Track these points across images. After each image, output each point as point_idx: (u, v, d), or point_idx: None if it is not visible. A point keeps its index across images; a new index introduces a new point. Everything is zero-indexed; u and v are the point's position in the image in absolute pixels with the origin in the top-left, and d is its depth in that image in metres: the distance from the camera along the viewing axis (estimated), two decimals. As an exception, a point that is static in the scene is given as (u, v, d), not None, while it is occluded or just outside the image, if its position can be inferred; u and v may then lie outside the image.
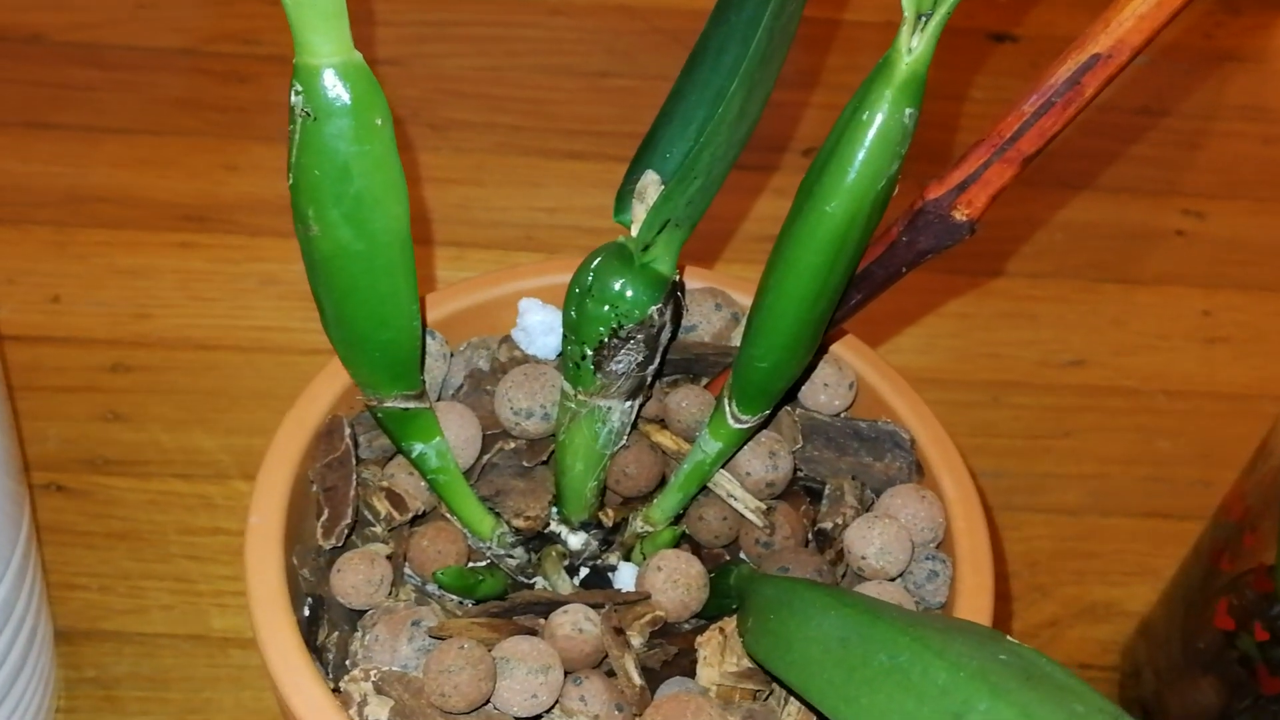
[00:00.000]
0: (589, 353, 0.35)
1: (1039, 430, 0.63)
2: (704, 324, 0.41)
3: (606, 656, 0.34)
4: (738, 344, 0.41)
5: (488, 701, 0.32)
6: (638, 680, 0.33)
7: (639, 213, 0.36)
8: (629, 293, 0.35)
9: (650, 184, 0.35)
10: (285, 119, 0.31)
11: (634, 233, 0.35)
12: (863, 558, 0.36)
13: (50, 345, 0.60)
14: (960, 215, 0.32)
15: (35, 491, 0.55)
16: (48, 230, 0.65)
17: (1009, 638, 0.27)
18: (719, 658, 0.34)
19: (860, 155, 0.30)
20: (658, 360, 0.36)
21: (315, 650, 0.35)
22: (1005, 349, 0.66)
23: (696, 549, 0.39)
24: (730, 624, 0.35)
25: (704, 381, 0.41)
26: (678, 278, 0.36)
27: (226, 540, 0.55)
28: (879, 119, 0.30)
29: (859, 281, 0.35)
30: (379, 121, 0.31)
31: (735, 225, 0.69)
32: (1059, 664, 0.25)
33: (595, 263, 0.35)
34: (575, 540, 0.39)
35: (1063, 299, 0.68)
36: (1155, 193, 0.74)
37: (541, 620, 0.35)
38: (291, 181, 0.32)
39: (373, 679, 0.32)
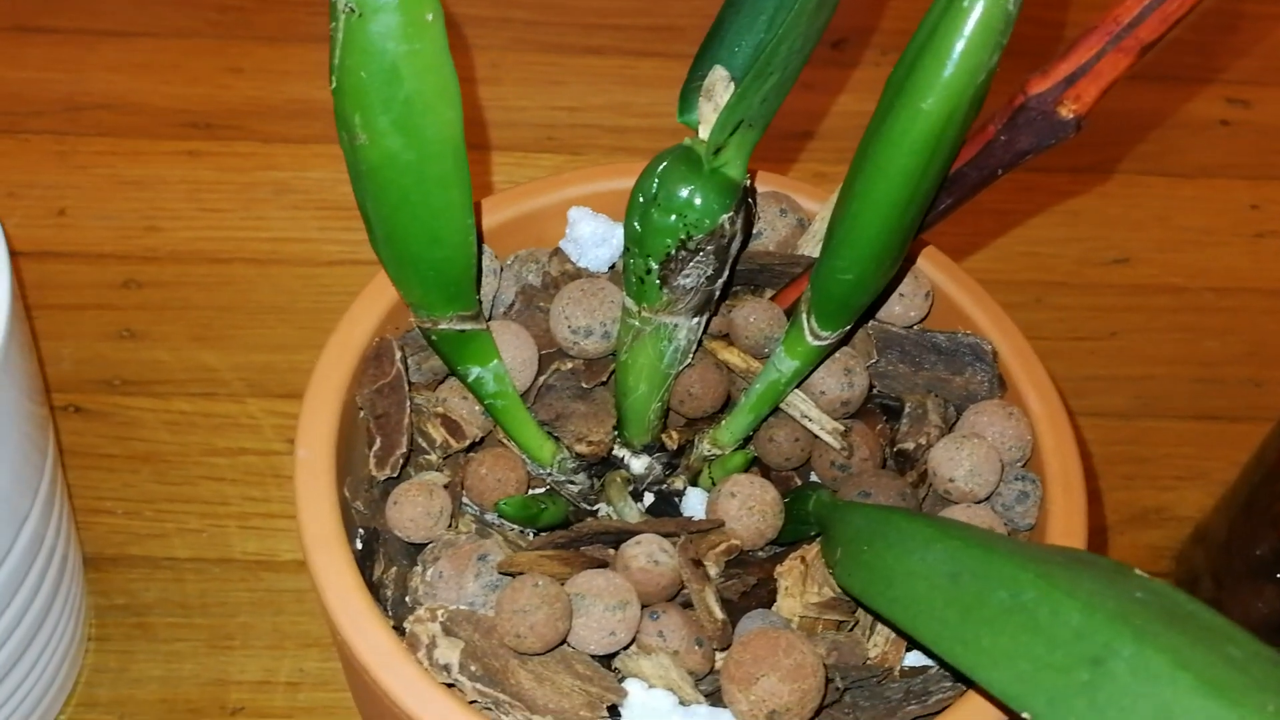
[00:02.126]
0: (654, 266, 0.33)
1: (1083, 331, 0.61)
2: (769, 231, 0.39)
3: (682, 588, 0.32)
4: (804, 252, 0.39)
5: (563, 640, 0.31)
6: (719, 614, 0.31)
7: (706, 112, 0.33)
8: (698, 200, 0.32)
9: (719, 80, 0.33)
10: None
11: (703, 134, 0.33)
12: (950, 480, 0.34)
13: (59, 261, 0.58)
14: (1066, 111, 0.30)
15: (54, 414, 0.53)
16: (47, 140, 0.62)
17: (1137, 571, 0.25)
18: (800, 588, 0.32)
19: (960, 46, 0.27)
20: (727, 273, 0.34)
21: (371, 587, 0.33)
22: (1045, 247, 0.64)
23: (765, 472, 0.37)
24: (811, 552, 0.33)
25: (770, 294, 0.38)
26: (749, 183, 0.33)
27: (251, 461, 0.53)
28: (980, 4, 0.27)
29: (950, 184, 0.32)
30: (429, 17, 0.28)
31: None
32: (1199, 601, 0.23)
33: (660, 168, 0.32)
34: (638, 464, 0.36)
35: (1104, 194, 0.66)
36: (1197, 80, 0.71)
37: (611, 550, 0.33)
38: (335, 85, 0.29)
39: (440, 620, 0.30)
